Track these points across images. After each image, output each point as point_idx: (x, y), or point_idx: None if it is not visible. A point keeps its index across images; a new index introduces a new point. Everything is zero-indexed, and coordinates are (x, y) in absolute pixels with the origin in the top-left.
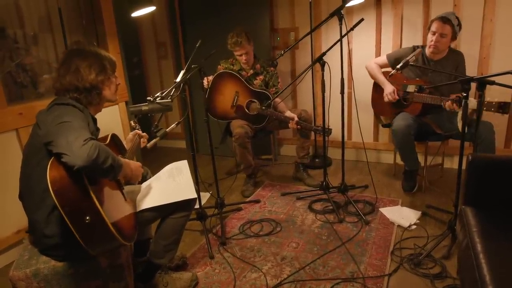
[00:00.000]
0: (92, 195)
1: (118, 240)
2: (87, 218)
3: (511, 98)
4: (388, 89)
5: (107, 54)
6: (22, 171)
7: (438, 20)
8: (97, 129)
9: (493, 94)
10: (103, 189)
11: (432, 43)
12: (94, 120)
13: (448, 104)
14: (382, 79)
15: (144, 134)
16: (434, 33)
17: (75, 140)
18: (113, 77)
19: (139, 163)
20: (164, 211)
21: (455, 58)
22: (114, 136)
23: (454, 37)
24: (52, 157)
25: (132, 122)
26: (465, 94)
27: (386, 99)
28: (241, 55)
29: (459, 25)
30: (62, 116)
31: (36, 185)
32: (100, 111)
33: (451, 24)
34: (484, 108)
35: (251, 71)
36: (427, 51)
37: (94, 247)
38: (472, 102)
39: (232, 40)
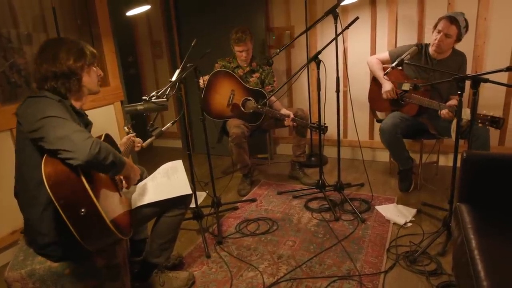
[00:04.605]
0: (87, 186)
1: (113, 233)
2: (82, 210)
3: (503, 108)
4: (387, 87)
5: (89, 45)
6: (16, 169)
7: (446, 20)
8: (87, 124)
9: (487, 92)
10: (98, 185)
11: (436, 42)
12: (78, 113)
13: (443, 113)
14: (381, 76)
15: (138, 139)
16: (439, 32)
17: (77, 136)
18: (94, 66)
19: (137, 168)
20: (159, 208)
21: (458, 59)
22: (108, 136)
23: (459, 38)
24: (45, 153)
25: (126, 128)
26: (459, 92)
27: (384, 96)
28: (241, 52)
29: (466, 27)
30: (44, 111)
31: (28, 182)
32: (83, 102)
33: (457, 25)
34: (479, 121)
35: (248, 68)
36: (431, 49)
37: (90, 242)
38: (467, 113)
39: (237, 35)
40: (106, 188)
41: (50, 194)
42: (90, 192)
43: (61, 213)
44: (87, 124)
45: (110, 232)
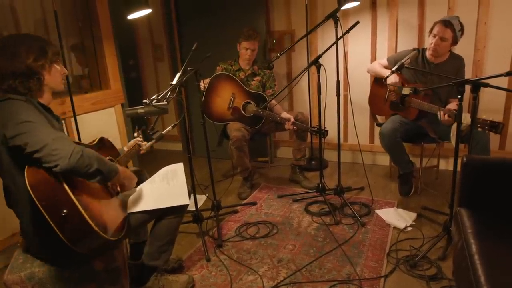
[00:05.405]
0: (66, 187)
1: (97, 233)
2: (64, 211)
3: (503, 113)
4: (392, 79)
5: (51, 43)
6: (2, 180)
7: (440, 23)
8: (57, 119)
9: (487, 96)
10: (82, 187)
11: (432, 46)
12: (47, 110)
13: (443, 117)
14: (386, 72)
15: (144, 143)
16: (435, 36)
17: (57, 144)
18: (57, 64)
19: (133, 176)
20: (156, 213)
21: (456, 62)
22: (103, 140)
23: (455, 42)
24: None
25: (135, 134)
26: (459, 96)
27: (391, 88)
28: (247, 49)
29: (461, 30)
30: (16, 116)
31: (17, 192)
32: (49, 100)
33: (452, 28)
34: (478, 126)
35: (249, 71)
36: (427, 53)
37: (77, 243)
38: (467, 118)
39: (249, 32)
40: (93, 190)
41: (32, 195)
42: (70, 193)
43: (44, 214)
44: (58, 119)
45: (94, 233)
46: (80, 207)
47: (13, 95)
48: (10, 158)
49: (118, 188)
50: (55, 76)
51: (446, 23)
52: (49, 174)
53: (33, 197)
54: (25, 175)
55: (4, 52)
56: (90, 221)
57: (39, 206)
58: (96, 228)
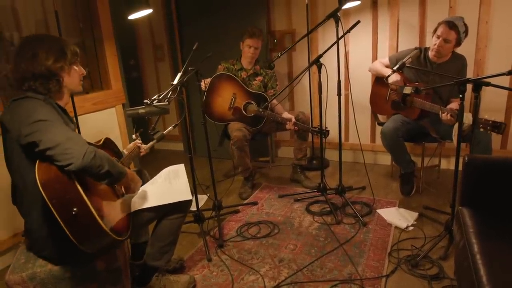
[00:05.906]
0: (78, 185)
1: (106, 232)
2: (74, 209)
3: (505, 112)
4: (394, 77)
5: (70, 43)
6: (11, 177)
7: (445, 25)
8: (72, 121)
9: (488, 95)
10: (92, 186)
11: (435, 47)
12: (64, 111)
13: (445, 117)
14: (387, 71)
15: (144, 145)
16: (438, 37)
17: (71, 144)
18: (76, 65)
19: (139, 179)
20: (159, 211)
21: (458, 62)
22: (108, 140)
23: (458, 43)
24: (35, 157)
25: (134, 136)
26: (461, 96)
27: (393, 87)
28: (250, 47)
29: (466, 31)
30: (33, 114)
31: (24, 189)
32: (67, 101)
33: (456, 30)
34: (480, 126)
35: (251, 71)
36: (430, 53)
37: (85, 242)
38: (469, 118)
39: (253, 30)
40: (101, 190)
41: (43, 193)
42: (81, 191)
43: (54, 213)
44: (72, 121)
45: (103, 232)
46: (91, 206)
47: (32, 94)
48: (22, 155)
49: (123, 190)
50: (73, 77)
51: (451, 25)
52: (61, 172)
53: (44, 195)
54: (36, 172)
55: (24, 54)
56: (99, 220)
57: (49, 204)
58: (105, 228)
